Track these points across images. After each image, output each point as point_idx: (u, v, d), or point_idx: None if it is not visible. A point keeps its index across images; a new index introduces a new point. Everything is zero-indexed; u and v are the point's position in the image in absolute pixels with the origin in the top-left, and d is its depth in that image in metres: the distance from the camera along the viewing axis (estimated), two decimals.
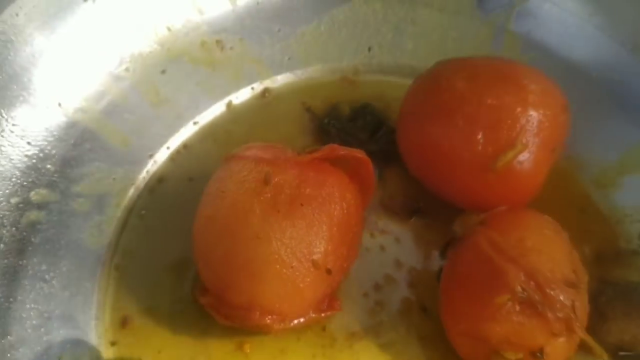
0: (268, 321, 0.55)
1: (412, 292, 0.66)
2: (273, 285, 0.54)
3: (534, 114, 0.59)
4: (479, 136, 0.59)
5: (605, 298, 0.66)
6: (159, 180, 0.71)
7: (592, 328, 0.63)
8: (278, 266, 0.53)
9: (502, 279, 0.55)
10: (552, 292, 0.54)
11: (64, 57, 0.68)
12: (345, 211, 0.57)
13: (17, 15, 0.64)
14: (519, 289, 0.54)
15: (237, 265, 0.54)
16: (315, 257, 0.54)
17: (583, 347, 0.62)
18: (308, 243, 0.54)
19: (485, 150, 0.59)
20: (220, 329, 0.62)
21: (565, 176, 0.73)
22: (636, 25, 0.71)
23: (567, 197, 0.72)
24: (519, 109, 0.59)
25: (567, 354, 0.58)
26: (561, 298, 0.55)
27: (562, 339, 0.55)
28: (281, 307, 0.55)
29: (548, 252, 0.57)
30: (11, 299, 0.60)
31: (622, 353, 0.63)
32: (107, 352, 0.63)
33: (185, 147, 0.73)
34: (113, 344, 0.63)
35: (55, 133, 0.67)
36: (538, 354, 0.55)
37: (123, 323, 0.64)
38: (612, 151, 0.72)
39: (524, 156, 0.59)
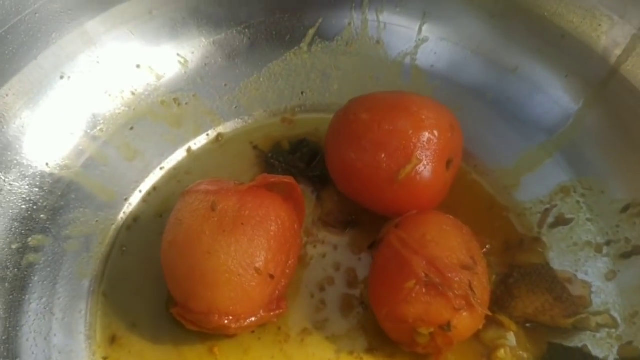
0: (226, 322, 0.67)
1: (352, 290, 0.78)
2: (225, 291, 0.66)
3: (424, 133, 0.72)
4: (383, 156, 0.72)
5: (513, 280, 0.77)
6: (134, 219, 0.84)
7: (503, 305, 0.75)
8: (227, 275, 0.66)
9: (408, 268, 0.66)
10: (450, 275, 0.65)
11: (48, 125, 0.81)
12: (280, 226, 0.70)
13: (7, 95, 0.78)
14: (422, 274, 0.65)
15: (195, 278, 0.66)
16: (257, 265, 0.67)
17: (496, 322, 0.75)
18: (250, 254, 0.67)
19: (389, 166, 0.72)
20: (192, 336, 0.74)
21: (473, 182, 0.86)
22: (516, 52, 0.86)
23: (476, 199, 0.84)
24: (410, 131, 0.72)
25: (473, 326, 0.68)
26: (458, 279, 0.65)
27: (465, 313, 0.66)
28: (235, 309, 0.67)
29: (445, 243, 0.69)
30: (17, 328, 0.73)
31: (528, 324, 0.74)
32: None
33: (155, 189, 0.86)
34: (105, 358, 0.74)
35: (45, 188, 0.80)
36: (446, 327, 0.65)
37: (112, 340, 0.75)
38: (509, 158, 0.85)
39: (421, 168, 0.72)
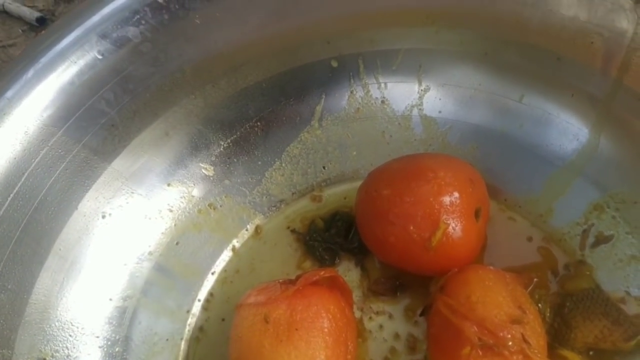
0: None
1: (415, 355, 0.81)
2: None
3: (445, 198, 0.75)
4: (412, 228, 0.75)
5: (567, 309, 0.78)
6: (200, 329, 0.89)
7: (563, 339, 0.77)
8: None
9: (462, 335, 0.68)
10: (501, 334, 0.67)
11: (101, 262, 0.88)
12: (332, 320, 0.74)
13: (60, 249, 0.85)
14: (475, 339, 0.68)
15: None
16: None
17: (561, 357, 0.77)
18: (310, 356, 0.71)
19: (420, 236, 0.75)
20: None
21: (507, 219, 0.87)
22: (512, 81, 0.87)
23: (514, 234, 0.85)
24: (431, 199, 0.75)
25: None
26: (510, 335, 0.67)
27: None
28: None
29: (491, 300, 0.70)
30: None
31: (591, 352, 0.76)
32: None
33: (212, 295, 0.91)
34: None
35: (114, 322, 0.87)
36: None
37: None
38: (536, 186, 0.86)
39: (450, 231, 0.75)
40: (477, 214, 0.78)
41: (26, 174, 0.80)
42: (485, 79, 0.89)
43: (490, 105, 0.89)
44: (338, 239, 0.90)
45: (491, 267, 0.76)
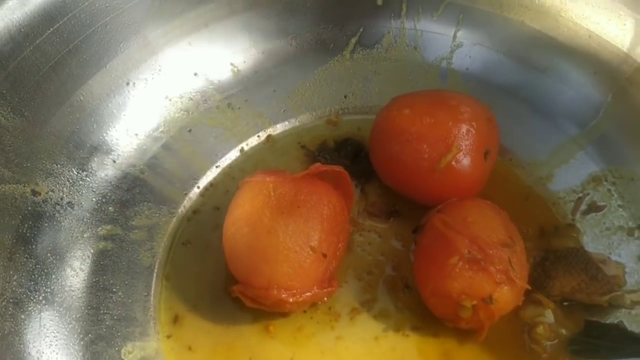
0: (283, 296, 0.72)
1: (396, 273, 0.83)
2: (284, 267, 0.72)
3: (463, 125, 0.78)
4: (425, 147, 0.79)
5: (549, 262, 0.81)
6: (193, 212, 0.90)
7: (540, 285, 0.80)
8: (286, 252, 0.72)
9: (452, 246, 0.71)
10: (490, 251, 0.70)
11: (115, 126, 0.89)
12: (332, 210, 0.76)
13: (81, 99, 0.86)
14: (465, 251, 0.70)
15: (256, 255, 0.72)
16: (312, 244, 0.73)
17: (535, 301, 0.80)
18: (306, 234, 0.73)
19: (431, 156, 0.78)
20: (250, 316, 0.81)
21: (509, 174, 0.91)
22: (546, 53, 0.92)
23: (513, 190, 0.89)
24: (450, 123, 0.78)
25: (514, 300, 0.72)
26: (498, 255, 0.70)
27: (505, 287, 0.70)
28: (292, 284, 0.73)
29: (486, 224, 0.74)
30: (89, 307, 0.80)
31: (565, 303, 0.79)
32: (164, 343, 0.81)
33: (211, 185, 0.93)
34: (168, 337, 0.81)
35: (112, 183, 0.88)
36: (488, 300, 0.69)
37: (174, 320, 0.82)
38: (542, 152, 0.90)
39: (460, 157, 0.78)
40: (486, 155, 0.82)
41: (69, 15, 0.83)
42: (517, 45, 0.94)
43: (516, 71, 0.94)
44: (345, 160, 0.93)
45: (490, 202, 0.79)
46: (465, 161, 0.79)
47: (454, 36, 0.97)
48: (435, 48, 0.98)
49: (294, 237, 0.73)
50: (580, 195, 0.86)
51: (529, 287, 0.73)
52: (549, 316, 0.77)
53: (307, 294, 0.75)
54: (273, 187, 0.75)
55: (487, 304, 0.70)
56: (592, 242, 0.83)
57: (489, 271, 0.70)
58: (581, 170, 0.88)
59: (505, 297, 0.71)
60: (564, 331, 0.77)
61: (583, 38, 0.88)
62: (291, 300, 0.74)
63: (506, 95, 0.94)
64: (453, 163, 0.78)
